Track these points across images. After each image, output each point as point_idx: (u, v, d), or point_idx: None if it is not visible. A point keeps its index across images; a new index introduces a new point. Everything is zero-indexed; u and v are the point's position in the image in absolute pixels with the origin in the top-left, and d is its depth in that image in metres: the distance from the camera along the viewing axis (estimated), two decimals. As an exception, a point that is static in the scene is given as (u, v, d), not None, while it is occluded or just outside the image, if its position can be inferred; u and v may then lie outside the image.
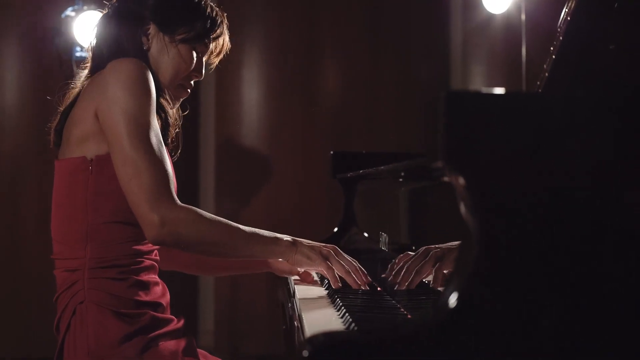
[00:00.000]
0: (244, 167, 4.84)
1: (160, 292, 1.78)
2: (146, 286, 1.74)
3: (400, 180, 1.98)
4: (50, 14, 3.99)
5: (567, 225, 1.00)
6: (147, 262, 1.76)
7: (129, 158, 1.62)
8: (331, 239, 2.53)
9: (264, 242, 1.75)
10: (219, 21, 1.86)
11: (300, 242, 1.78)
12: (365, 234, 2.40)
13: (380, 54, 4.90)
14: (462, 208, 1.03)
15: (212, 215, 1.70)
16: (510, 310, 0.98)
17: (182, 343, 1.74)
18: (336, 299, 1.61)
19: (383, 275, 1.74)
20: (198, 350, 1.84)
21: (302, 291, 1.82)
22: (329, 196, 4.73)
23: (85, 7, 3.45)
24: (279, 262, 1.97)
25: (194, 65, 1.84)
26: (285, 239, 1.77)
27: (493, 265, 0.98)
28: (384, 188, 2.13)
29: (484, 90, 1.14)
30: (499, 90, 1.05)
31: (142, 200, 1.61)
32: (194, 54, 1.84)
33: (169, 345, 1.71)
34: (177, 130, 1.90)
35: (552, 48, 1.74)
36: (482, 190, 0.99)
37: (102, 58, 1.78)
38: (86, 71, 1.83)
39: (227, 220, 1.71)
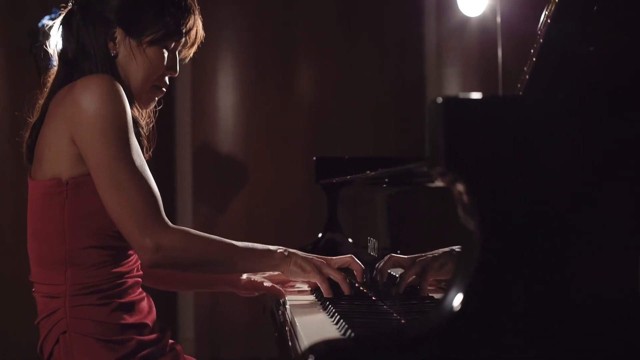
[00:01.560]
0: (222, 172, 4.83)
1: (146, 309, 1.75)
2: (130, 307, 1.70)
3: (384, 185, 1.99)
4: (28, 23, 3.94)
5: (567, 224, 1.02)
6: (130, 282, 1.72)
7: (115, 184, 1.59)
8: (315, 244, 2.53)
9: (258, 255, 1.73)
10: (189, 11, 1.77)
11: (295, 253, 1.75)
12: (350, 240, 2.41)
13: (355, 56, 4.91)
14: (461, 212, 1.04)
15: (205, 234, 1.68)
16: (513, 311, 0.99)
17: None
18: (328, 306, 1.61)
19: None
20: (186, 357, 1.83)
21: (292, 298, 1.81)
22: (307, 201, 4.74)
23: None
24: (242, 281, 1.92)
25: (165, 65, 1.76)
26: (279, 251, 1.74)
27: (495, 267, 0.99)
28: (368, 193, 2.13)
29: (481, 94, 1.16)
30: (493, 94, 1.07)
31: (134, 226, 1.59)
32: (165, 54, 1.75)
33: None
34: (152, 124, 1.85)
35: (532, 51, 1.76)
36: (483, 193, 1.00)
37: (68, 64, 1.72)
38: (53, 77, 1.75)
39: (219, 238, 1.70)
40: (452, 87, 4.82)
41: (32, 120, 1.76)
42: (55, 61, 1.83)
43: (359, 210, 2.21)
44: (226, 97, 4.84)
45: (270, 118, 4.84)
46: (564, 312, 1.00)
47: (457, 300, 0.97)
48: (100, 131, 1.59)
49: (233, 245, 1.69)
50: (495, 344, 0.98)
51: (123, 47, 1.72)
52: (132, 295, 1.72)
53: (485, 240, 0.99)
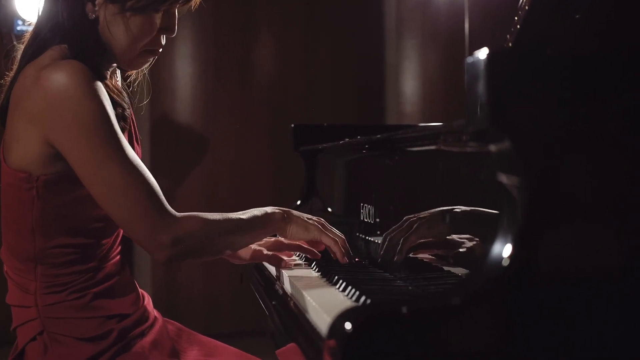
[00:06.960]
0: (180, 143, 4.74)
1: (125, 286, 1.64)
2: (108, 293, 1.59)
3: (364, 151, 1.95)
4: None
5: (613, 180, 0.99)
6: (106, 269, 1.61)
7: (113, 187, 1.44)
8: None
9: (262, 223, 1.61)
10: None
11: (291, 212, 1.65)
12: (329, 209, 2.36)
13: (316, 28, 4.87)
14: (502, 168, 1.01)
15: (214, 215, 1.55)
16: (561, 269, 0.96)
17: (148, 339, 1.63)
18: (332, 275, 1.55)
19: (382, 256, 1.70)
20: (167, 320, 1.77)
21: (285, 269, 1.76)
22: (266, 172, 4.69)
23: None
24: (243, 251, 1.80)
25: (157, 28, 1.58)
26: (276, 212, 1.64)
27: (542, 223, 0.96)
28: (360, 159, 2.09)
29: (527, 46, 1.12)
30: (539, 47, 1.04)
31: (145, 226, 1.45)
32: (155, 18, 1.56)
33: (137, 347, 1.60)
34: (129, 107, 1.73)
35: (516, 18, 1.73)
36: (529, 149, 0.97)
37: (38, 30, 1.55)
38: (25, 42, 1.58)
39: (227, 215, 1.57)
40: (412, 60, 4.81)
41: (8, 77, 1.59)
42: (19, 25, 1.71)
43: (347, 178, 2.17)
44: (185, 68, 4.74)
45: (230, 89, 4.76)
46: (618, 262, 0.98)
47: (506, 256, 0.94)
48: (83, 133, 1.42)
49: (241, 219, 1.58)
50: (542, 301, 0.95)
51: (103, 11, 1.53)
52: (109, 281, 1.61)
53: (532, 197, 0.96)
